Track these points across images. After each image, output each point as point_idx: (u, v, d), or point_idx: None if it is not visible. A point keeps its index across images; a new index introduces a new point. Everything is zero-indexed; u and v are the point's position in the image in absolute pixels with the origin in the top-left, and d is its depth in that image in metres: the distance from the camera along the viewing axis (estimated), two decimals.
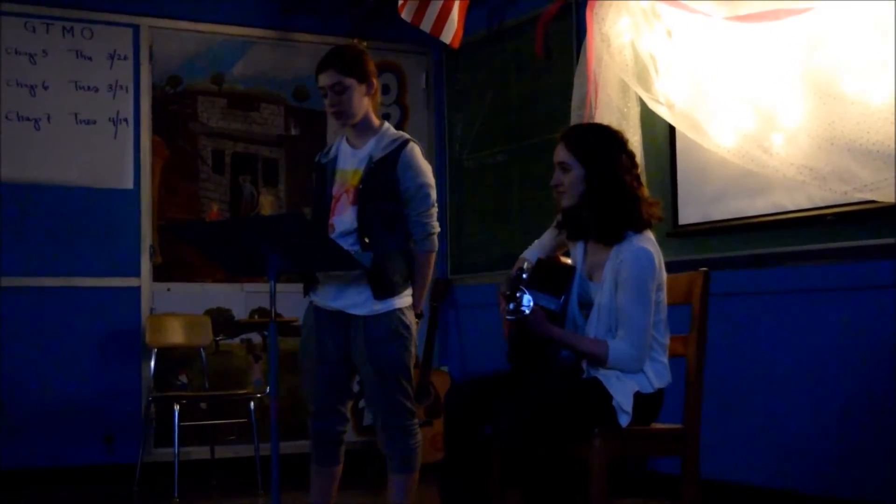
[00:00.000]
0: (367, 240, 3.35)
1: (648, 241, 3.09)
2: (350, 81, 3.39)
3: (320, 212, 3.48)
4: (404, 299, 3.43)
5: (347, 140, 3.51)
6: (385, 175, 3.38)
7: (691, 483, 3.12)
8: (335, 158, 3.51)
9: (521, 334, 3.11)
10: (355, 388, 3.71)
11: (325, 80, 3.40)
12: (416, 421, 3.47)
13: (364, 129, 3.47)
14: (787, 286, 4.12)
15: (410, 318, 3.44)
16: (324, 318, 3.48)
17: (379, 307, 3.38)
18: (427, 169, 3.45)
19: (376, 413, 3.45)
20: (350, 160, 3.47)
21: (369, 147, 3.45)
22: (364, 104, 3.44)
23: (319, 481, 3.57)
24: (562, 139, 3.18)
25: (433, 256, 3.48)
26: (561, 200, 3.17)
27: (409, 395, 3.44)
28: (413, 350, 3.44)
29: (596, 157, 3.10)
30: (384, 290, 3.37)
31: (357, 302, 3.39)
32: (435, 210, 3.46)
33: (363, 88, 3.42)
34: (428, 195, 3.43)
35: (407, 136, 3.49)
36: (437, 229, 3.47)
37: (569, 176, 3.12)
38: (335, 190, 3.45)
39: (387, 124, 3.53)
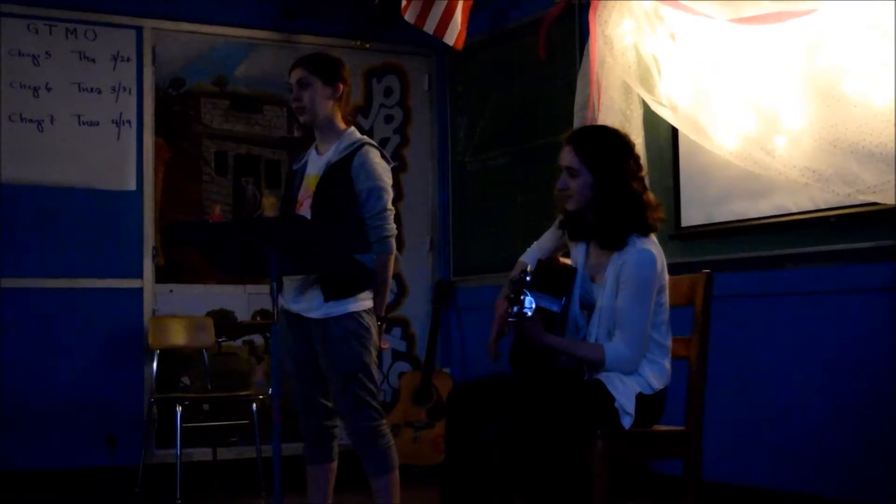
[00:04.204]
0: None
1: (651, 243, 3.09)
2: (314, 79, 3.47)
3: None
4: (361, 303, 3.44)
5: (316, 147, 3.58)
6: (340, 179, 3.43)
7: (693, 485, 3.12)
8: (305, 164, 3.60)
9: (523, 337, 3.10)
10: None
11: (293, 76, 3.51)
12: (383, 421, 3.49)
13: (328, 134, 3.54)
14: (789, 288, 4.11)
15: (369, 321, 3.44)
16: (291, 320, 3.53)
17: (333, 310, 3.40)
18: (382, 172, 3.45)
19: (343, 416, 3.47)
20: (314, 166, 3.55)
21: (330, 152, 3.50)
22: (328, 107, 3.50)
23: (314, 481, 3.60)
24: (569, 142, 3.14)
25: (391, 259, 3.47)
26: (565, 204, 3.15)
27: (374, 394, 3.46)
28: (373, 351, 3.45)
29: (606, 164, 3.07)
30: (333, 293, 3.39)
31: (312, 306, 3.44)
32: (389, 213, 3.45)
33: (328, 91, 3.49)
34: (380, 198, 3.43)
35: (366, 139, 3.52)
36: (392, 232, 3.46)
37: (576, 181, 3.09)
38: (300, 195, 3.53)
39: (352, 129, 3.56)
